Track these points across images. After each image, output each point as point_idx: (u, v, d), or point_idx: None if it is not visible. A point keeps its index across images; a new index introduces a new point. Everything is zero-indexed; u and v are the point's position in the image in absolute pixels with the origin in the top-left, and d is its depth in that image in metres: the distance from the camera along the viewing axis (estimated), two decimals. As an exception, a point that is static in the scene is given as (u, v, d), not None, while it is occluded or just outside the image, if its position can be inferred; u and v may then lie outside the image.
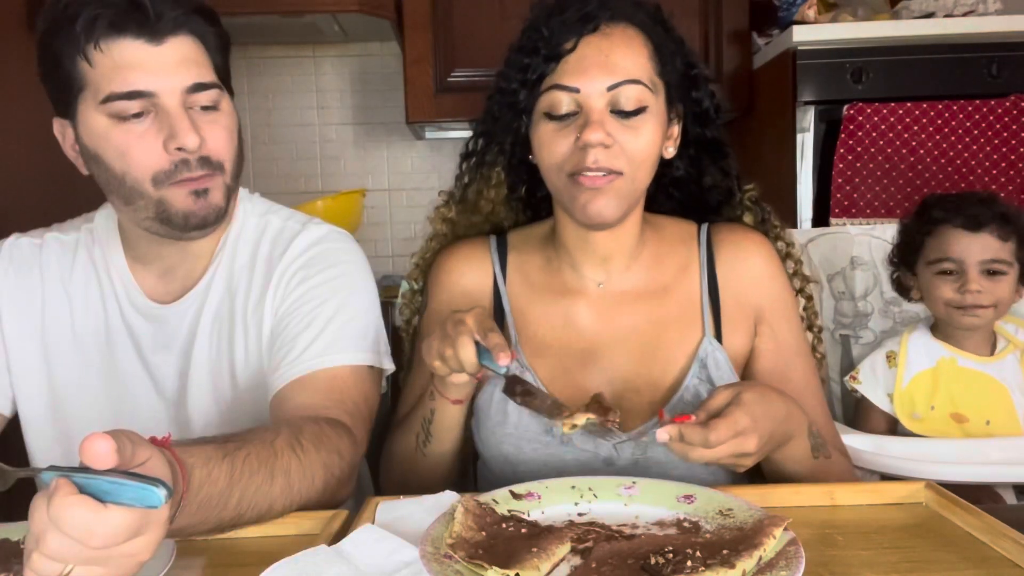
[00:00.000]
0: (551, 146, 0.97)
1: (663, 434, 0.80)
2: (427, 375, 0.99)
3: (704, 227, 1.10)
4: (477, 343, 0.87)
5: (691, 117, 1.07)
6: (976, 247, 1.38)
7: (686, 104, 1.05)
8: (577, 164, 0.94)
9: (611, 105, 0.94)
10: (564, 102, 0.95)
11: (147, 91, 0.91)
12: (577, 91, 0.94)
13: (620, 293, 1.06)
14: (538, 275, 1.09)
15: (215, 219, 0.98)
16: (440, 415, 0.98)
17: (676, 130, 1.04)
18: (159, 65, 0.92)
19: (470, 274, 1.10)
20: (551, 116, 0.96)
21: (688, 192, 1.13)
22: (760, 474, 1.06)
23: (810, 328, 1.14)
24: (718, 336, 1.05)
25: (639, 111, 0.95)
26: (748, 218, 1.12)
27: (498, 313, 1.08)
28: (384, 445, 1.10)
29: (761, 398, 0.85)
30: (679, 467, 0.97)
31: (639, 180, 0.98)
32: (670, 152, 1.04)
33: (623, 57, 0.95)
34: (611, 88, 0.94)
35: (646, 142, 0.96)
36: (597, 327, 1.06)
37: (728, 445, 0.80)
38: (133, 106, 0.91)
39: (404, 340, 1.17)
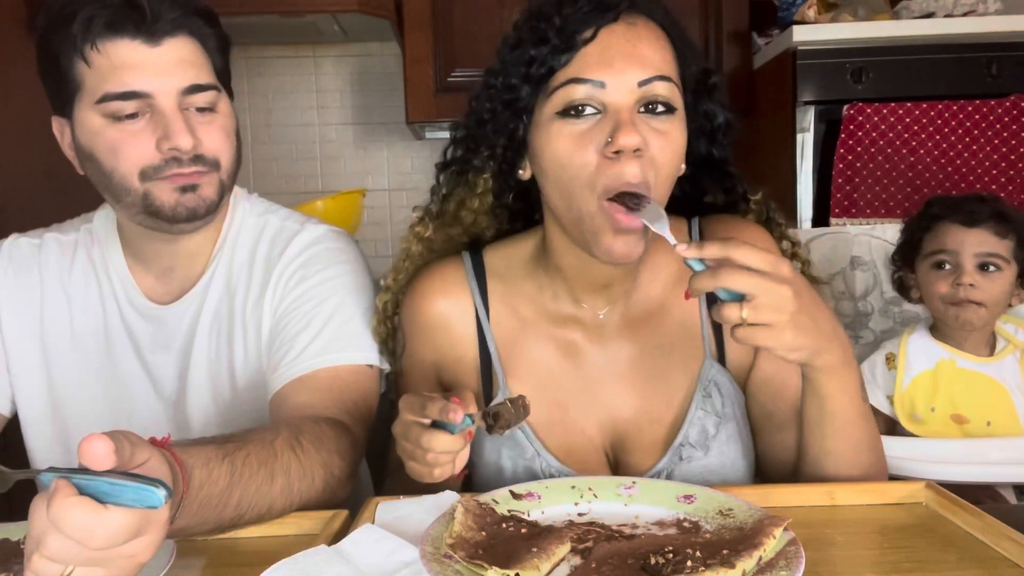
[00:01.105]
0: (573, 156, 0.83)
1: (684, 247, 0.71)
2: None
3: (695, 223, 1.00)
4: (434, 423, 0.76)
5: (698, 133, 0.95)
6: (971, 240, 1.39)
7: (695, 118, 0.93)
8: (612, 183, 0.81)
9: (639, 104, 0.82)
10: (585, 99, 0.82)
11: (142, 91, 0.91)
12: (603, 86, 0.81)
13: (619, 320, 0.97)
14: (528, 306, 0.98)
15: (205, 212, 0.97)
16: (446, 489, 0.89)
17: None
18: (155, 66, 0.91)
19: (448, 310, 0.98)
20: (568, 116, 0.83)
21: (686, 203, 1.02)
22: (762, 475, 1.06)
23: None
24: (721, 351, 0.97)
25: (670, 112, 0.83)
26: (752, 218, 1.02)
27: (483, 353, 0.98)
28: (385, 485, 1.04)
29: (809, 286, 0.76)
30: None
31: (664, 203, 0.85)
32: (682, 169, 0.90)
33: (651, 49, 0.83)
34: (642, 84, 0.81)
35: (675, 150, 0.84)
36: (595, 360, 0.97)
37: (758, 279, 0.70)
38: (128, 106, 0.91)
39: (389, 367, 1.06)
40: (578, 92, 0.82)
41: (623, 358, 0.97)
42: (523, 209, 1.02)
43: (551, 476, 0.94)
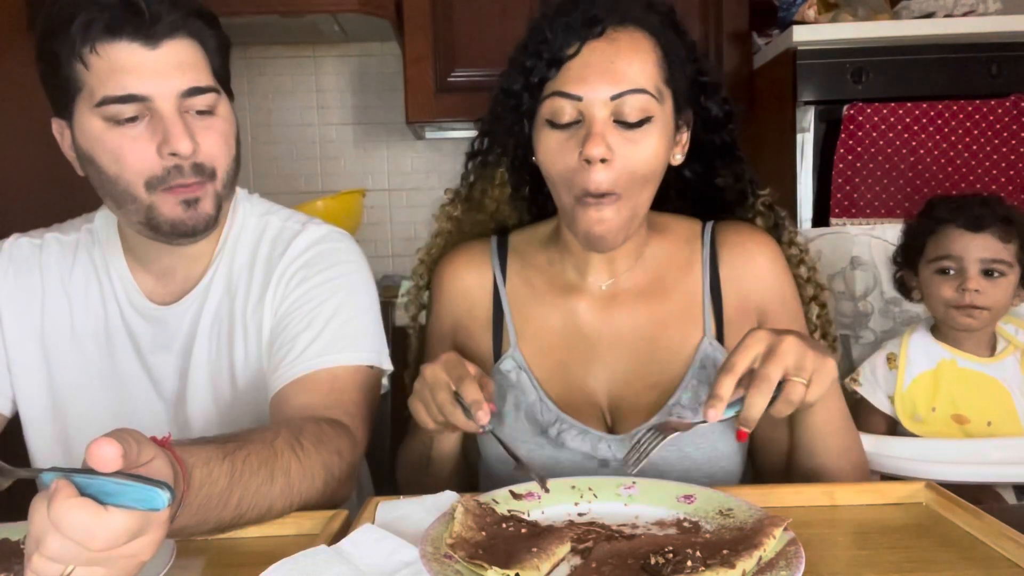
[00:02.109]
0: (555, 157, 0.94)
1: (713, 413, 0.77)
2: None
3: (708, 225, 1.08)
4: (455, 393, 0.86)
5: (701, 123, 1.04)
6: (977, 246, 1.38)
7: (696, 110, 1.03)
8: (582, 187, 0.92)
9: (614, 115, 0.91)
10: (566, 110, 0.92)
11: (141, 95, 0.91)
12: (579, 99, 0.91)
13: (622, 292, 1.05)
14: (539, 277, 1.09)
15: (204, 228, 0.97)
16: (439, 444, 0.98)
17: (685, 136, 1.01)
18: (154, 69, 0.91)
19: (470, 278, 1.10)
20: (553, 124, 0.94)
21: (700, 193, 1.11)
22: (758, 470, 1.06)
23: (824, 337, 1.11)
24: (720, 336, 1.03)
25: (643, 122, 0.92)
26: (760, 222, 1.09)
27: (497, 315, 1.08)
28: (399, 449, 1.11)
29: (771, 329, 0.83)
30: (675, 469, 0.96)
31: (642, 199, 0.95)
32: (677, 159, 1.01)
33: (628, 64, 0.91)
34: (614, 98, 0.91)
35: (648, 155, 0.93)
36: (598, 326, 1.05)
37: (777, 361, 0.77)
38: (127, 110, 0.91)
39: (411, 336, 1.17)
40: (559, 104, 0.93)
41: (623, 327, 1.05)
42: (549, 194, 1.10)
43: (550, 421, 1.01)
